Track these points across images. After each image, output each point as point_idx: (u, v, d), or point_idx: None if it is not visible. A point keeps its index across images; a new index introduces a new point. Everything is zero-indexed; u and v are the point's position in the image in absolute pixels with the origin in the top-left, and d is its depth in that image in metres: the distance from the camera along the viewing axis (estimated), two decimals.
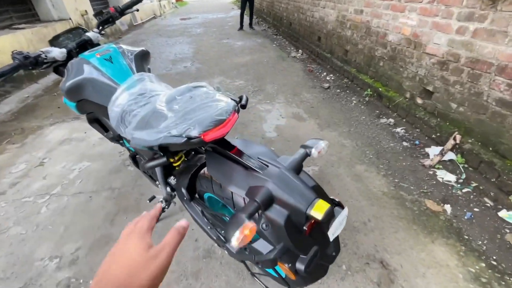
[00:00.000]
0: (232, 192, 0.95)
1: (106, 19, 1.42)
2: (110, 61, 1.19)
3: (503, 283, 1.24)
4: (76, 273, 1.38)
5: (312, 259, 0.68)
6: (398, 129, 2.43)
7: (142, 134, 0.83)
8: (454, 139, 1.86)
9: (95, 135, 2.58)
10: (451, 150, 1.91)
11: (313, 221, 0.66)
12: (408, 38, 2.27)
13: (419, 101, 2.29)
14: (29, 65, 1.12)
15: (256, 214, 0.66)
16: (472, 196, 1.70)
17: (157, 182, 1.40)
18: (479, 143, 1.76)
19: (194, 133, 0.71)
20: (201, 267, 1.39)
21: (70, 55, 1.24)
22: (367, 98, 2.98)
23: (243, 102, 0.82)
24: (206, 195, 1.20)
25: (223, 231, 1.09)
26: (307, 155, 0.75)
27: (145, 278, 0.29)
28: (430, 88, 2.12)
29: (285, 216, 0.64)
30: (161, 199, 1.28)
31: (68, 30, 1.37)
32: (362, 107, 2.90)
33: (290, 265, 0.69)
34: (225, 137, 0.80)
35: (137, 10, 1.57)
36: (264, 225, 0.71)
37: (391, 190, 1.80)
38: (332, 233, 0.74)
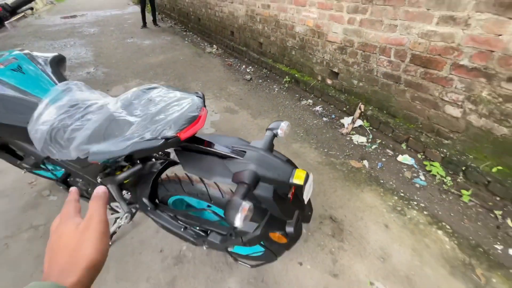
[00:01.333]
0: (206, 186, 0.97)
1: None
2: (20, 71, 0.99)
3: (410, 206, 1.68)
4: None
5: (297, 221, 0.79)
6: (317, 108, 2.83)
7: (104, 146, 0.75)
8: (360, 108, 2.32)
9: None
10: (359, 118, 2.38)
11: (293, 189, 0.77)
12: (312, 29, 2.64)
13: (329, 82, 2.72)
14: None
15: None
16: (379, 150, 2.18)
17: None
18: (377, 109, 2.26)
19: (170, 133, 0.70)
20: (175, 274, 1.34)
21: None
22: (286, 85, 3.31)
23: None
24: (170, 200, 1.16)
25: (198, 228, 1.10)
26: (274, 136, 0.85)
27: (87, 249, 0.29)
28: (336, 70, 2.55)
29: (272, 190, 0.72)
30: (122, 216, 1.17)
31: None
32: (284, 93, 3.23)
33: (281, 232, 0.78)
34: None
35: (32, 9, 1.32)
36: None
37: (324, 159, 2.12)
38: (306, 196, 0.87)
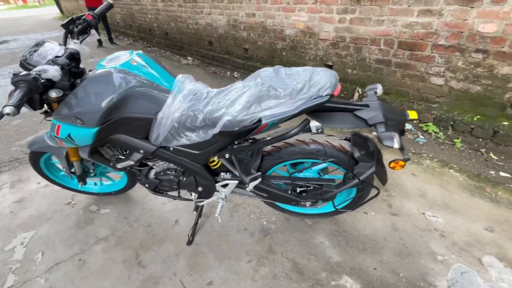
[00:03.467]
0: (322, 145, 1.19)
1: (84, 28, 1.20)
2: (149, 67, 1.09)
3: (422, 158, 2.12)
4: None
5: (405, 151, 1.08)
6: None
7: (274, 110, 0.93)
8: (358, 91, 2.76)
9: (3, 199, 1.85)
10: (358, 99, 2.82)
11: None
12: (303, 30, 3.03)
13: None
14: (40, 88, 0.88)
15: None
16: None
17: (195, 191, 1.36)
18: None
19: (329, 91, 0.93)
20: (269, 243, 1.49)
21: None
22: None
23: None
24: (269, 172, 1.34)
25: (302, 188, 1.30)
26: (375, 93, 1.13)
27: None
28: (330, 63, 2.97)
29: (396, 126, 1.00)
30: (222, 196, 1.31)
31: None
32: None
33: (401, 159, 1.05)
34: None
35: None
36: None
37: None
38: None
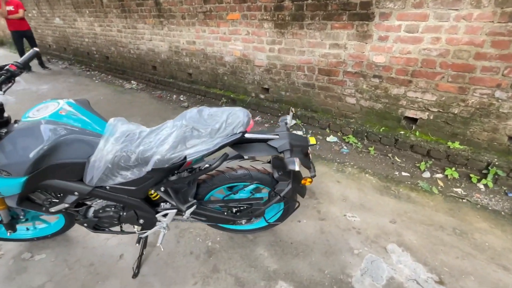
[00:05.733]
0: (247, 170, 1.39)
1: (7, 78, 1.22)
2: (77, 115, 1.16)
3: (345, 166, 2.49)
4: None
5: (314, 168, 1.34)
6: (257, 118, 3.48)
7: (196, 148, 1.09)
8: (291, 111, 3.10)
9: None
10: (293, 118, 3.16)
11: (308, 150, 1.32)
12: (240, 57, 3.31)
13: (262, 96, 3.44)
14: None
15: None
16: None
17: (137, 224, 1.44)
18: (303, 109, 3.10)
19: (242, 129, 1.13)
20: (214, 263, 1.61)
21: None
22: (223, 105, 3.85)
23: None
24: (206, 197, 1.48)
25: (239, 209, 1.47)
26: (286, 123, 1.38)
27: None
28: (266, 86, 3.29)
29: (300, 151, 1.25)
30: (164, 226, 1.41)
31: None
32: None
33: (309, 177, 1.30)
34: None
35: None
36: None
37: None
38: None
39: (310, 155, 1.40)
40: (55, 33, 6.73)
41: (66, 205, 1.28)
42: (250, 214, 1.47)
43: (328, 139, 2.92)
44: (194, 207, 1.37)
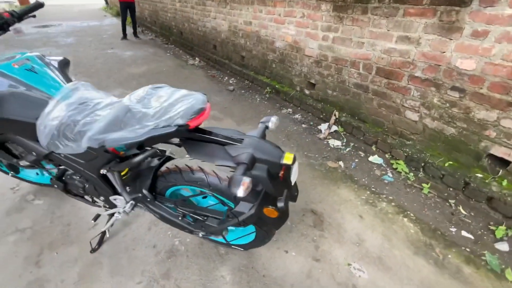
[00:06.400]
0: (205, 174, 1.09)
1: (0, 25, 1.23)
2: (33, 71, 1.08)
3: (380, 199, 1.90)
4: None
5: (286, 198, 0.94)
6: (297, 115, 3.06)
7: (121, 133, 0.86)
8: (334, 115, 2.57)
9: None
10: (334, 124, 2.63)
11: (283, 169, 0.93)
12: (291, 44, 2.91)
13: (307, 92, 2.98)
14: None
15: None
16: (352, 152, 2.43)
17: (99, 199, 1.33)
18: (349, 115, 2.52)
19: (181, 121, 0.84)
20: (168, 267, 1.41)
21: None
22: (267, 95, 3.54)
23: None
24: (168, 192, 1.26)
25: (195, 215, 1.20)
26: (266, 127, 1.01)
27: None
28: (313, 81, 2.81)
29: (266, 169, 0.88)
30: (121, 209, 1.24)
31: None
32: (266, 102, 3.44)
33: (274, 206, 0.92)
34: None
35: (34, 16, 1.41)
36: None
37: (304, 160, 2.32)
38: (293, 177, 1.03)
39: (295, 178, 1.01)
40: (150, 7, 7.50)
41: (27, 163, 1.26)
42: (203, 229, 1.19)
43: (370, 158, 2.30)
44: (132, 202, 1.17)
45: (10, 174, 1.64)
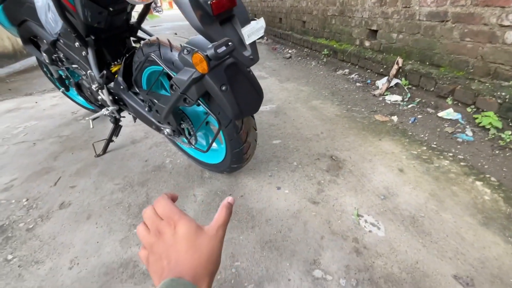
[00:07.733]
0: (161, 41, 0.93)
1: None
2: None
3: (441, 157, 1.30)
4: (8, 196, 1.26)
5: (226, 49, 0.67)
6: (353, 75, 2.54)
7: None
8: (397, 63, 1.98)
9: (46, 103, 2.45)
10: (396, 76, 2.03)
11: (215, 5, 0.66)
12: None
13: (367, 44, 2.43)
14: None
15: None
16: (416, 109, 1.80)
17: (87, 71, 1.29)
18: (418, 62, 1.89)
19: None
20: (148, 177, 1.32)
21: None
22: (324, 59, 3.11)
23: None
24: (146, 71, 1.12)
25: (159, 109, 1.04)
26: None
27: (218, 257, 0.30)
28: (374, 27, 2.26)
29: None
30: (107, 111, 1.24)
31: None
32: (321, 66, 3.03)
33: (203, 53, 0.67)
34: None
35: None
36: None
37: (344, 113, 1.86)
38: (247, 35, 0.74)
39: (252, 37, 0.73)
40: None
41: (44, 54, 1.39)
42: (157, 115, 1.02)
43: (441, 113, 1.64)
44: (122, 88, 1.10)
45: (61, 90, 1.89)
